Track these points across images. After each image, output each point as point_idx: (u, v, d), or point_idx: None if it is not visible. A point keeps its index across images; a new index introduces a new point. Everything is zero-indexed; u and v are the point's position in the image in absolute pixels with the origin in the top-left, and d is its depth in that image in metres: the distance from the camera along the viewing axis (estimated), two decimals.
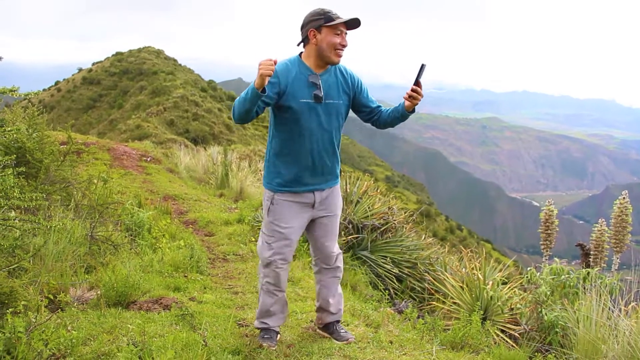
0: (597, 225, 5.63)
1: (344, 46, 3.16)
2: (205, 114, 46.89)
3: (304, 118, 3.19)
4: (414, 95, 3.15)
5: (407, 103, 3.24)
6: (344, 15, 3.15)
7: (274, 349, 3.40)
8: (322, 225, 3.49)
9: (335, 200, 3.52)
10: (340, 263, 3.67)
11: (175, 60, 70.01)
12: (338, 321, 3.76)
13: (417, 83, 3.13)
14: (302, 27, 3.21)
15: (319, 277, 3.67)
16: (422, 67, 3.11)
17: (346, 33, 3.19)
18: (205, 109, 48.45)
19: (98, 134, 36.33)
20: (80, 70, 70.64)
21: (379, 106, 3.48)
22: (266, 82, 2.88)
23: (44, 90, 66.19)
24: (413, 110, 3.30)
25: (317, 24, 3.12)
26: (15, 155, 3.95)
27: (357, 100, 3.41)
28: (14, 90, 2.67)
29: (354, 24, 3.16)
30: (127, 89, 60.25)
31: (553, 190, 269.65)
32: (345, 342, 3.63)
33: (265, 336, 3.47)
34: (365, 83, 3.42)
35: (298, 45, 3.28)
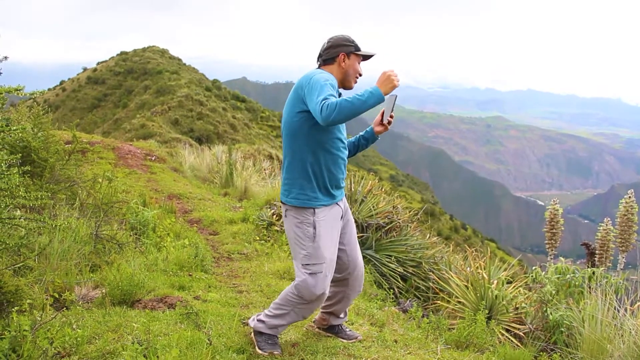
0: (602, 224, 5.61)
1: (361, 75, 3.39)
2: (210, 113, 46.94)
3: (338, 132, 3.29)
4: (390, 123, 3.36)
5: (378, 129, 3.42)
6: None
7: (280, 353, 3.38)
8: (347, 235, 3.50)
9: (348, 207, 3.58)
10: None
11: (179, 60, 70.12)
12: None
13: (391, 111, 3.30)
14: (331, 48, 3.30)
15: (344, 289, 3.58)
16: (394, 98, 3.23)
17: None
18: (210, 108, 48.50)
19: (103, 133, 36.41)
20: (85, 69, 70.84)
21: None
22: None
23: (48, 89, 66.40)
24: (378, 137, 3.50)
25: (348, 49, 3.29)
26: (20, 155, 3.96)
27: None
28: (19, 90, 2.68)
29: (370, 58, 3.41)
30: (132, 89, 60.37)
31: (558, 189, 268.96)
32: (354, 340, 3.65)
33: (271, 342, 3.41)
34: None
35: (319, 61, 3.36)
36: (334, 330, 3.72)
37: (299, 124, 3.18)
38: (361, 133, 3.58)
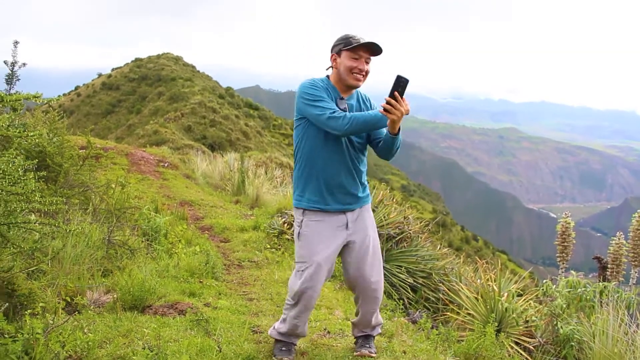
0: (615, 238, 5.58)
1: (362, 70, 3.17)
2: (223, 121, 47.14)
3: (332, 137, 3.17)
4: (388, 108, 2.90)
5: (388, 124, 3.04)
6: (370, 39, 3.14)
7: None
8: (357, 249, 3.36)
9: (368, 221, 3.42)
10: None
11: (193, 67, 70.56)
12: (372, 336, 3.66)
13: (391, 95, 2.89)
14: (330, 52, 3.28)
15: (357, 302, 3.55)
16: (398, 79, 2.87)
17: (369, 59, 3.21)
18: (223, 115, 48.71)
19: (116, 139, 36.68)
20: (99, 75, 71.43)
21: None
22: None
23: (63, 95, 66.99)
24: (397, 133, 3.08)
25: (338, 48, 3.19)
26: (36, 160, 4.01)
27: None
28: (38, 97, 2.73)
29: (374, 48, 3.15)
30: (146, 95, 60.77)
31: (571, 202, 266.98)
32: (365, 354, 3.53)
33: (283, 349, 3.39)
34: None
35: (327, 69, 3.32)
36: (357, 342, 3.64)
37: (296, 130, 3.29)
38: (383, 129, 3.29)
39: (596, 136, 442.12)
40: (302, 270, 3.21)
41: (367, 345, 3.58)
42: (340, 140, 3.20)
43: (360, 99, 3.37)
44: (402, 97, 2.89)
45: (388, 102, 2.89)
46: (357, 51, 3.14)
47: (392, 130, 3.05)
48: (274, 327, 3.47)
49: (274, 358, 3.34)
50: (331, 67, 3.28)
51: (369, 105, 3.39)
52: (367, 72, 3.20)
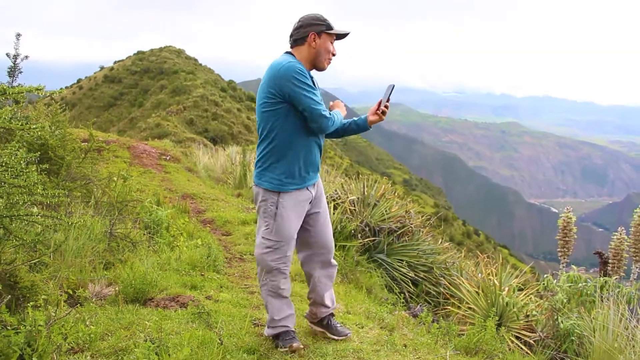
0: (616, 233, 5.58)
1: (334, 55, 3.31)
2: (225, 114, 47.12)
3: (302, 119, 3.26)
4: (385, 112, 3.31)
5: (372, 118, 3.39)
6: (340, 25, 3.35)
7: (302, 347, 3.40)
8: (317, 219, 3.50)
9: (321, 190, 3.57)
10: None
11: (195, 60, 70.45)
12: (332, 315, 3.74)
13: (387, 101, 3.28)
14: (301, 27, 3.25)
15: (314, 273, 3.60)
16: (391, 87, 3.28)
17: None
18: (225, 108, 48.68)
19: (118, 132, 36.67)
20: (102, 68, 71.36)
21: None
22: None
23: (66, 87, 66.96)
24: (370, 127, 3.44)
25: (319, 29, 3.21)
26: (38, 152, 4.01)
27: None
28: (40, 89, 2.73)
29: (345, 36, 3.31)
30: (148, 88, 60.72)
31: (572, 196, 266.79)
32: (343, 336, 3.64)
33: (287, 338, 3.41)
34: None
35: (290, 41, 3.31)
36: (324, 323, 3.69)
37: (272, 112, 3.30)
38: (355, 118, 3.55)
39: (599, 131, 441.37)
40: (277, 248, 3.30)
41: (339, 324, 3.73)
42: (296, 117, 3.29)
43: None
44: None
45: (387, 107, 3.30)
46: (333, 36, 3.28)
47: (369, 125, 3.43)
48: (267, 325, 3.50)
49: (281, 350, 3.35)
50: (300, 45, 3.28)
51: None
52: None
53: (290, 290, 3.54)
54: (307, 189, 3.36)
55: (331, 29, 3.22)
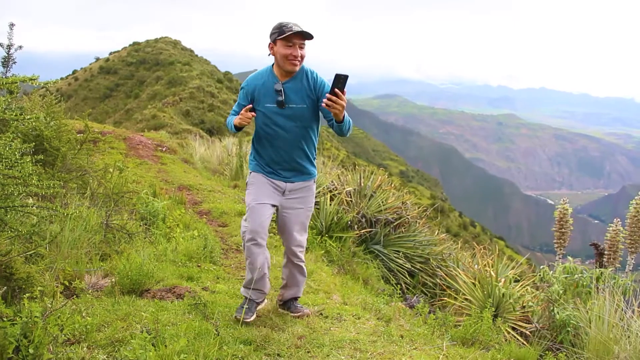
0: (612, 225, 5.59)
1: (296, 56, 3.41)
2: (221, 105, 47.04)
3: (270, 119, 3.54)
4: (330, 104, 3.21)
5: (333, 114, 3.34)
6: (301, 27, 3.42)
7: (249, 320, 3.62)
8: (290, 215, 3.73)
9: (306, 195, 3.75)
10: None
11: (191, 51, 70.25)
12: (296, 298, 4.03)
13: (332, 92, 3.19)
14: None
15: (287, 265, 3.94)
16: (337, 77, 3.20)
17: (303, 44, 3.45)
18: (221, 100, 48.60)
19: (114, 123, 36.58)
20: (97, 59, 71.11)
21: None
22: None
23: (61, 79, 66.70)
24: (342, 120, 3.35)
25: (273, 37, 3.43)
26: (33, 143, 3.99)
27: (321, 105, 3.50)
28: (34, 79, 2.71)
29: (304, 34, 3.39)
30: (144, 79, 60.57)
31: (568, 188, 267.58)
32: (299, 314, 3.91)
33: (246, 307, 3.69)
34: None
35: (269, 56, 3.56)
36: (287, 306, 4.00)
37: None
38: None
39: (595, 123, 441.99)
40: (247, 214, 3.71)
41: (299, 305, 4.04)
42: (265, 116, 3.65)
43: (306, 78, 3.58)
44: (343, 92, 3.20)
45: (329, 99, 3.19)
46: (290, 39, 3.38)
47: (337, 119, 3.33)
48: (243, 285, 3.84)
49: (235, 315, 3.64)
50: (272, 55, 3.54)
51: (317, 82, 3.58)
52: (302, 57, 3.46)
53: (265, 266, 3.72)
54: (270, 177, 3.66)
55: (283, 34, 3.35)
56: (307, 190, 3.75)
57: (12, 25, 3.65)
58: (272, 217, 3.73)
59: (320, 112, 3.62)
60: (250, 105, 3.52)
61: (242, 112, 3.46)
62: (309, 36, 3.42)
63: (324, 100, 3.22)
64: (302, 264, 3.90)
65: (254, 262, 3.64)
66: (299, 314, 3.93)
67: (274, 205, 3.67)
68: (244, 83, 3.66)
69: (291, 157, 3.61)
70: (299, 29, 3.36)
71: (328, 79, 3.48)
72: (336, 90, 3.19)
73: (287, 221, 3.74)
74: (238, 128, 3.57)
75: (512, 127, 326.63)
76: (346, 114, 3.37)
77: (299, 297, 4.07)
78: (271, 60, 3.58)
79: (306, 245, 3.98)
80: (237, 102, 3.67)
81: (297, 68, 3.48)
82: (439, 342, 3.84)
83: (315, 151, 3.76)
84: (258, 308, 3.83)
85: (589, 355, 4.06)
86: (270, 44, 3.47)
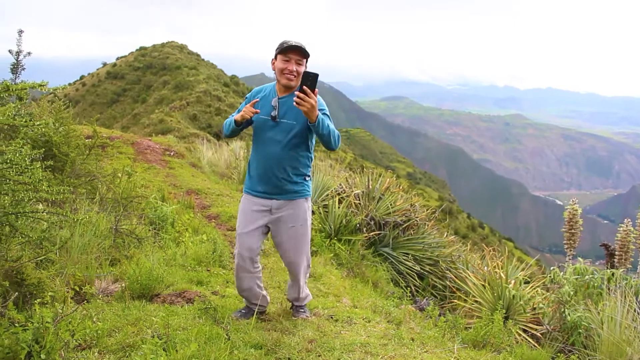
0: (622, 225, 5.55)
1: (292, 71, 3.48)
2: (228, 109, 47.11)
3: (262, 132, 3.60)
4: (298, 101, 3.23)
5: (304, 114, 3.33)
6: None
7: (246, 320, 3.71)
8: (280, 233, 3.73)
9: (295, 212, 3.70)
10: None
11: (198, 55, 70.44)
12: (300, 305, 4.09)
13: (300, 89, 3.22)
14: None
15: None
16: (306, 75, 3.24)
17: (300, 61, 3.51)
18: (228, 103, 48.68)
19: (122, 128, 36.72)
20: (104, 64, 71.42)
21: None
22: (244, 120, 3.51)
23: (69, 84, 66.97)
24: (317, 123, 3.32)
25: (275, 53, 3.54)
26: (43, 149, 4.01)
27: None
28: (43, 85, 2.71)
29: (300, 50, 3.46)
30: (151, 84, 60.77)
31: (577, 189, 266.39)
32: (301, 317, 3.96)
33: (243, 311, 3.86)
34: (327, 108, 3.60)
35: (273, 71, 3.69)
36: (289, 309, 4.13)
37: None
38: None
39: (603, 123, 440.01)
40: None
41: (302, 310, 4.08)
42: (261, 131, 3.69)
43: None
44: (313, 90, 3.23)
45: (297, 96, 3.22)
46: (287, 54, 3.48)
47: (311, 120, 3.32)
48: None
49: (232, 315, 3.76)
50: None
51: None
52: (298, 73, 3.50)
53: (253, 287, 3.83)
54: (263, 199, 3.68)
55: (282, 48, 3.47)
56: (295, 207, 3.69)
57: (20, 32, 3.67)
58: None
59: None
60: (257, 100, 3.55)
61: (247, 106, 3.49)
62: (305, 52, 3.48)
63: (294, 98, 3.25)
64: (300, 283, 3.91)
65: (239, 285, 3.81)
66: (299, 316, 3.99)
67: (264, 226, 3.71)
68: (249, 94, 3.74)
69: (274, 174, 3.59)
70: (296, 44, 3.44)
71: (330, 82, 3.48)
72: (304, 87, 3.21)
73: (278, 240, 3.77)
74: (238, 125, 3.55)
75: (519, 127, 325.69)
76: (330, 123, 3.43)
77: (301, 305, 4.10)
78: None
79: (309, 265, 4.02)
80: (237, 109, 3.68)
81: (293, 83, 3.51)
82: (450, 344, 3.83)
83: (306, 171, 3.71)
84: (258, 313, 3.83)
85: (602, 357, 4.03)
86: (272, 60, 3.58)
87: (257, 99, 3.56)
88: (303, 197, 3.72)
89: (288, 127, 3.54)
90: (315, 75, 3.23)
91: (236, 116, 3.52)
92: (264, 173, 3.61)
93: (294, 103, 3.25)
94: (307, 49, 3.48)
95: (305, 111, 3.26)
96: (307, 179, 3.73)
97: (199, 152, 15.00)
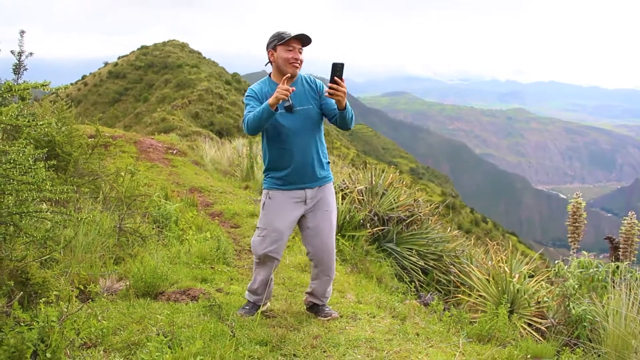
0: (626, 218, 5.54)
1: (297, 59, 3.56)
2: (230, 107, 47.11)
3: (280, 126, 3.57)
4: (332, 92, 3.33)
5: (335, 102, 3.45)
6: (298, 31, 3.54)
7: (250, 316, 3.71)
8: (315, 219, 3.74)
9: (325, 197, 3.77)
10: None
11: (199, 53, 70.42)
12: (323, 304, 4.02)
13: (332, 81, 3.31)
14: (266, 50, 3.67)
15: (315, 270, 3.92)
16: (334, 66, 3.30)
17: (301, 50, 3.60)
18: (230, 101, 48.66)
19: (124, 127, 36.71)
20: (106, 64, 71.43)
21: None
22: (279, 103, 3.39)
23: (71, 84, 67.07)
24: (345, 108, 3.45)
25: (273, 44, 3.58)
26: (46, 149, 4.01)
27: (323, 105, 3.68)
28: (46, 85, 2.72)
29: (304, 38, 3.56)
30: (153, 83, 60.77)
31: (580, 182, 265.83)
32: (329, 317, 3.89)
33: (247, 307, 3.84)
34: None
35: (266, 65, 3.72)
36: (314, 310, 4.00)
37: None
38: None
39: (606, 116, 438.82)
40: (263, 236, 3.77)
41: (327, 308, 4.02)
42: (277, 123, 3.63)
43: (305, 82, 3.73)
44: (341, 79, 3.33)
45: (331, 87, 3.32)
46: (290, 44, 3.54)
47: (340, 107, 3.43)
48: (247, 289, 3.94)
49: (237, 313, 3.74)
50: (269, 62, 3.68)
51: (315, 86, 3.73)
52: (301, 61, 3.60)
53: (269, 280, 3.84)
54: (297, 190, 3.68)
55: (282, 39, 3.52)
56: (326, 192, 3.78)
57: (22, 32, 3.66)
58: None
59: (322, 112, 3.70)
60: (289, 75, 3.53)
61: (280, 85, 3.35)
62: (307, 40, 3.57)
63: (326, 89, 3.36)
64: (333, 274, 3.92)
65: (257, 277, 3.83)
66: (328, 317, 3.93)
67: (297, 218, 3.73)
68: (250, 92, 3.66)
69: (307, 162, 3.64)
70: (301, 33, 3.50)
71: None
72: (336, 78, 3.32)
73: (313, 225, 3.75)
74: (276, 110, 3.39)
75: (522, 121, 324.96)
76: (348, 103, 3.49)
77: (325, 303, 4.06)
78: (269, 69, 3.72)
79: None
80: (249, 105, 3.58)
81: (298, 71, 3.61)
82: (455, 339, 3.83)
83: (327, 153, 3.82)
84: (261, 310, 3.82)
85: (607, 350, 4.02)
86: (269, 51, 3.61)
87: (293, 88, 3.45)
88: (331, 181, 3.84)
89: (304, 113, 3.62)
90: (342, 65, 3.34)
91: (271, 100, 3.33)
92: (298, 165, 3.63)
93: (326, 94, 3.37)
94: (308, 35, 3.54)
95: (339, 100, 3.37)
96: (328, 163, 3.83)
97: (202, 150, 15.02)
